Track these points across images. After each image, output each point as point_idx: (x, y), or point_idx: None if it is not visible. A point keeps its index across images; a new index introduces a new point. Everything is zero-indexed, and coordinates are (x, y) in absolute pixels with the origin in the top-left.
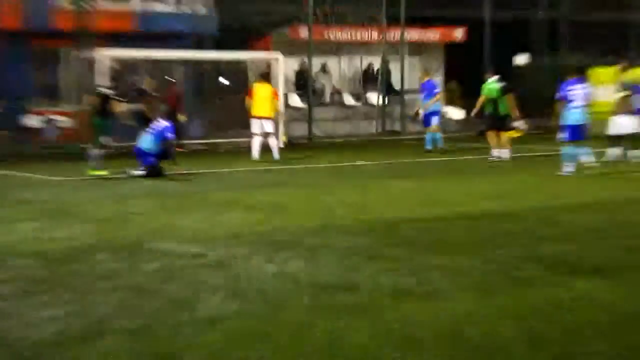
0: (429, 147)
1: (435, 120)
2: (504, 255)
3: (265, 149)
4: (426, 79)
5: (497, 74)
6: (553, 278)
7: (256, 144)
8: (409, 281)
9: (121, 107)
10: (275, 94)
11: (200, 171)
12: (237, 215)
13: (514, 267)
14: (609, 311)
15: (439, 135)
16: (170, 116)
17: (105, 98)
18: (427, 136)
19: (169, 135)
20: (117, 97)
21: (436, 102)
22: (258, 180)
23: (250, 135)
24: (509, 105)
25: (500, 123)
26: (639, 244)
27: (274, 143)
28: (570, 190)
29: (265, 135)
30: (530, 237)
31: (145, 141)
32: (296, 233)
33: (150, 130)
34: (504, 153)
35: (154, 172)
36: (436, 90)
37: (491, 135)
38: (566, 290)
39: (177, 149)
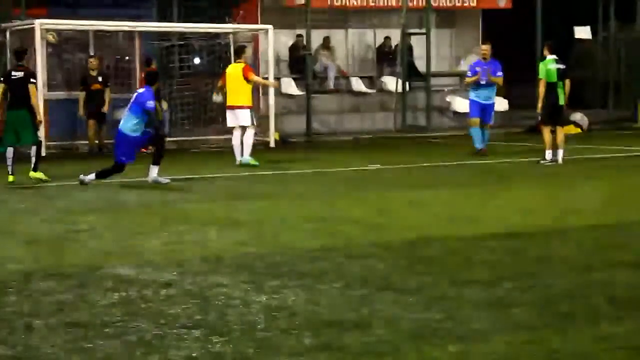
0: (479, 145)
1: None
2: (553, 286)
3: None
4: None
5: (555, 51)
6: (617, 314)
7: (236, 142)
8: (433, 318)
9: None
10: (248, 71)
11: (168, 178)
12: (215, 233)
13: (565, 300)
14: None
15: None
16: None
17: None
18: (475, 132)
19: (150, 105)
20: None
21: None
22: (242, 190)
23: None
24: (566, 93)
25: (559, 116)
26: None
27: (248, 140)
28: None
29: (243, 129)
30: (587, 262)
31: (127, 122)
32: (291, 256)
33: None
34: (561, 154)
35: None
36: (499, 74)
37: (546, 132)
38: (636, 329)
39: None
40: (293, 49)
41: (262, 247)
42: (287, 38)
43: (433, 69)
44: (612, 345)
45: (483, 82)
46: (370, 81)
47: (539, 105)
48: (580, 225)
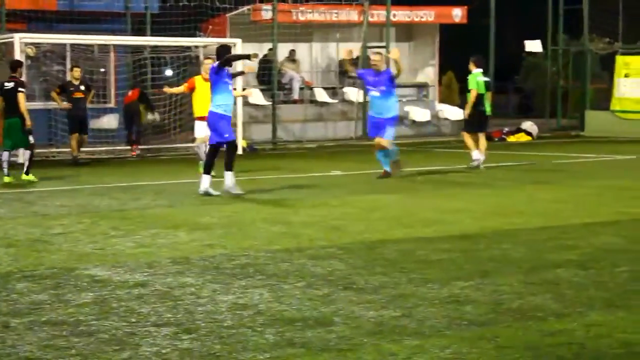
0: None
1: (391, 131)
2: (504, 285)
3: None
4: (384, 65)
5: (480, 65)
6: (564, 310)
7: (200, 148)
8: (391, 315)
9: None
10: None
11: (139, 183)
12: (185, 236)
13: (515, 298)
14: (627, 344)
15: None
16: (132, 117)
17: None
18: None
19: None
20: (22, 90)
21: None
22: (208, 196)
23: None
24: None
25: (484, 124)
26: None
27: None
28: (589, 205)
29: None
30: (536, 262)
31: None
32: (256, 258)
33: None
34: (482, 158)
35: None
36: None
37: (468, 137)
38: (581, 325)
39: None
40: (260, 61)
41: (230, 249)
42: (255, 51)
43: None
44: (558, 341)
45: (376, 94)
46: (332, 92)
47: (467, 112)
48: (529, 228)
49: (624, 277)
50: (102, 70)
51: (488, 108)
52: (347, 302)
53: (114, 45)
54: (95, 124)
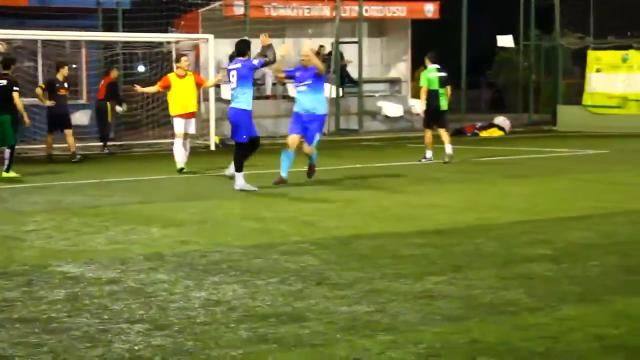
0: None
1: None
2: (477, 279)
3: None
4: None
5: (437, 61)
6: (537, 305)
7: (178, 146)
8: (364, 310)
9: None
10: (201, 79)
11: (112, 179)
12: (158, 232)
13: (488, 293)
14: (600, 338)
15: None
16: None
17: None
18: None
19: (256, 62)
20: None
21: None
22: (182, 191)
23: (172, 136)
24: (448, 98)
25: (440, 119)
26: (630, 263)
27: (187, 147)
28: (562, 200)
29: (186, 136)
30: (509, 257)
31: (237, 99)
32: (229, 254)
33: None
34: (449, 148)
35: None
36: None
37: (428, 134)
38: (554, 319)
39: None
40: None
41: (203, 245)
42: (227, 46)
43: (364, 75)
44: (530, 335)
45: (302, 89)
46: None
47: (421, 109)
48: (503, 223)
49: (596, 271)
50: (74, 66)
51: (443, 103)
52: (321, 297)
53: (86, 41)
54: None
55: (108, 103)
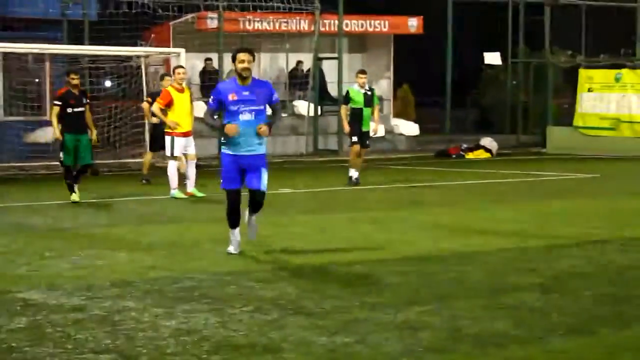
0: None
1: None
2: (462, 310)
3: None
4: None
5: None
6: (525, 336)
7: (175, 170)
8: (343, 341)
9: None
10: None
11: (76, 200)
12: (126, 257)
13: (474, 324)
14: None
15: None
16: None
17: None
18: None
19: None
20: None
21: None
22: (153, 213)
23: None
24: (375, 118)
25: (366, 139)
26: (622, 293)
27: (193, 169)
28: (551, 226)
29: (187, 157)
30: (495, 286)
31: None
32: (201, 281)
33: None
34: (355, 173)
35: None
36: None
37: (354, 153)
38: (543, 352)
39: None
40: (205, 72)
41: (173, 271)
42: (199, 61)
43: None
44: None
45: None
46: (282, 105)
47: (346, 126)
48: (489, 249)
49: (587, 301)
50: (37, 80)
51: (367, 123)
52: (297, 327)
53: (50, 55)
54: (29, 137)
55: None
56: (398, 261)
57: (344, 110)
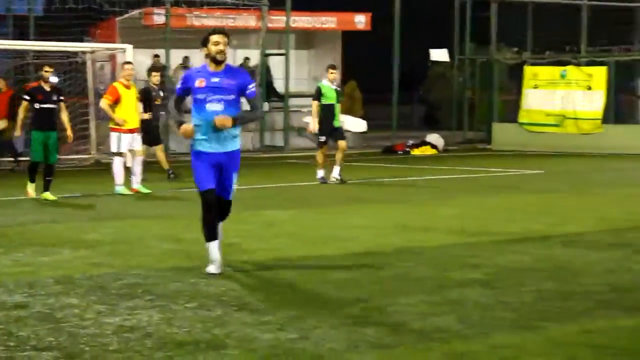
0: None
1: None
2: (407, 305)
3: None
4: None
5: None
6: (469, 332)
7: (122, 165)
8: (287, 337)
9: None
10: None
11: (19, 197)
12: (69, 254)
13: (418, 319)
14: None
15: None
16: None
17: None
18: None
19: None
20: None
21: None
22: (98, 210)
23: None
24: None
25: (340, 135)
26: (564, 288)
27: (139, 166)
28: (495, 222)
29: (134, 153)
30: (440, 282)
31: None
32: (145, 277)
33: None
34: (321, 173)
35: None
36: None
37: (322, 152)
38: (486, 347)
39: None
40: (152, 68)
41: (117, 268)
42: (146, 57)
43: (291, 89)
44: None
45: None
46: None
47: (315, 124)
48: (433, 245)
49: (530, 297)
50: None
51: (338, 119)
52: (241, 323)
53: None
54: None
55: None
56: (343, 257)
57: (316, 106)
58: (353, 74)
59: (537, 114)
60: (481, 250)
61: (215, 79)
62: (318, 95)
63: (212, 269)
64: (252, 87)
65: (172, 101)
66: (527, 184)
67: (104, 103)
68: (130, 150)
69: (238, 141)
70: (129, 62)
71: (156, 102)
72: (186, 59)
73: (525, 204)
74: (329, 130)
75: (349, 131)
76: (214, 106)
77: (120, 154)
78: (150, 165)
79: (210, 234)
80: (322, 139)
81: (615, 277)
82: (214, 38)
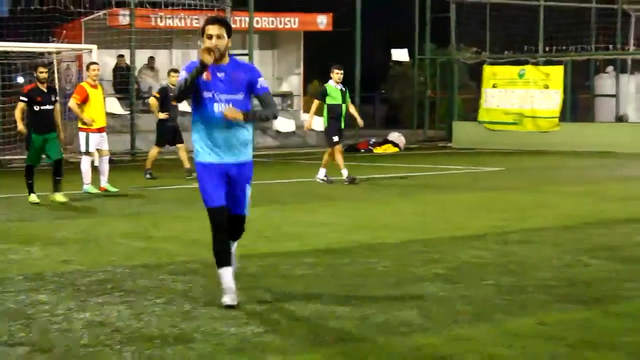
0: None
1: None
2: (369, 300)
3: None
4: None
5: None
6: (430, 325)
7: (89, 165)
8: (253, 331)
9: None
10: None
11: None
12: (38, 252)
13: (380, 313)
14: (492, 357)
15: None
16: None
17: None
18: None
19: None
20: None
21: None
22: (64, 209)
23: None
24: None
25: (342, 136)
26: (522, 282)
27: (106, 165)
28: (456, 218)
29: (101, 153)
30: (401, 277)
31: None
32: (114, 274)
33: None
34: (322, 173)
35: None
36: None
37: (339, 152)
38: (447, 339)
39: None
40: (117, 68)
41: (86, 265)
42: (111, 58)
43: None
44: (423, 355)
45: None
46: None
47: (309, 122)
48: (396, 242)
49: (489, 290)
50: None
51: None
52: (209, 318)
53: None
54: None
55: None
56: (307, 253)
57: (315, 105)
58: (316, 74)
59: (497, 112)
60: (442, 246)
61: (221, 74)
62: (322, 95)
63: (227, 300)
64: (262, 83)
65: (178, 85)
66: (487, 181)
67: (72, 103)
68: (98, 150)
69: (250, 151)
70: (94, 63)
71: (173, 103)
72: (151, 59)
73: (485, 201)
74: (338, 129)
75: (313, 130)
76: (221, 107)
77: (88, 153)
78: (114, 164)
79: (221, 259)
80: (335, 138)
81: (571, 272)
82: (208, 30)
